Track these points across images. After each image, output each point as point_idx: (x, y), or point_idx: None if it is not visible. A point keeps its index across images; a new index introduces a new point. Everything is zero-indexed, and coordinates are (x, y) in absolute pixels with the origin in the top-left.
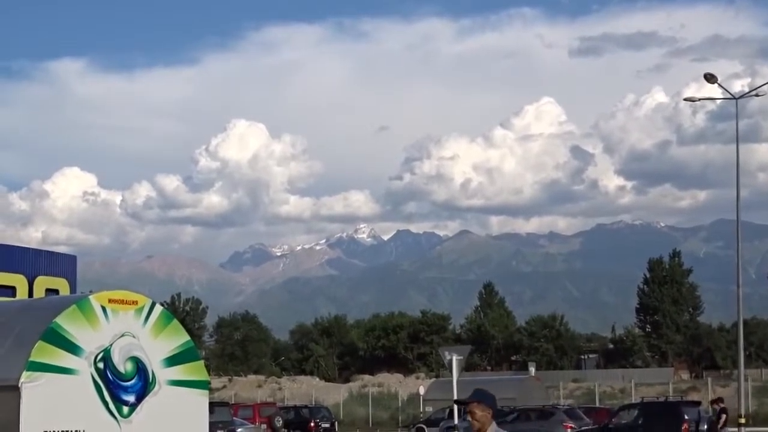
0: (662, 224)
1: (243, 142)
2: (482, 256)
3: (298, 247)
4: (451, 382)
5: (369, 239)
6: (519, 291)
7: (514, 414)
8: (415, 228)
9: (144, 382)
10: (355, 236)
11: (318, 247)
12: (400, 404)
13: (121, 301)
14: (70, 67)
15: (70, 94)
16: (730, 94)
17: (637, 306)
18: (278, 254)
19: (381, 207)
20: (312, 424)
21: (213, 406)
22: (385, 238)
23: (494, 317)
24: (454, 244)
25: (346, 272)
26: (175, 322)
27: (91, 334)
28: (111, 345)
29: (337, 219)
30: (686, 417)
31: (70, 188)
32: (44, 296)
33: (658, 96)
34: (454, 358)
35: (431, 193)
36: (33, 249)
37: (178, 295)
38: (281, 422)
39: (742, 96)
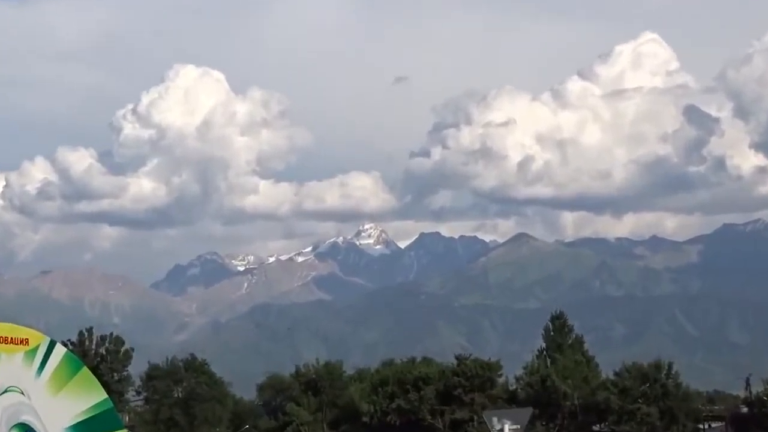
0: None
1: (190, 100)
2: (549, 273)
3: (271, 259)
4: None
5: (378, 246)
6: (605, 325)
7: None
8: (448, 230)
9: None
10: (358, 242)
11: (301, 259)
12: None
13: (4, 340)
14: None
15: None
16: None
17: None
18: (240, 269)
19: (396, 198)
20: None
21: None
22: (403, 245)
23: (567, 365)
24: (507, 255)
25: (343, 296)
26: (86, 371)
27: None
28: None
29: (331, 216)
30: None
31: None
32: None
33: None
34: (507, 428)
35: (472, 176)
36: None
37: (89, 329)
38: None
39: None
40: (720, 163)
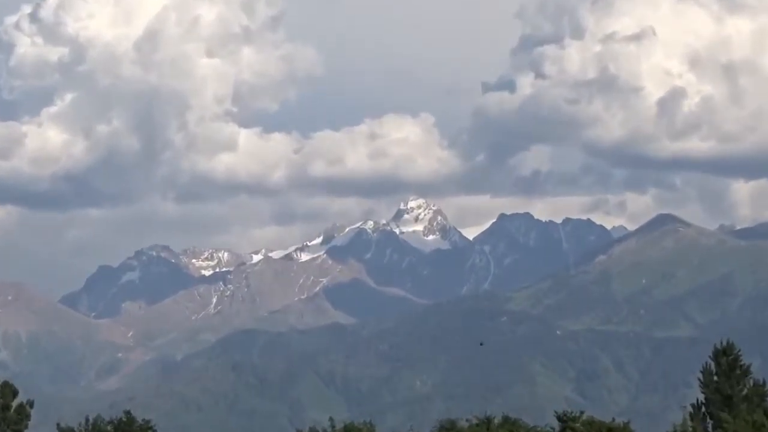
0: None
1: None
2: (710, 280)
3: (256, 257)
4: None
5: (431, 237)
6: None
7: None
8: (545, 210)
9: None
10: (397, 229)
11: (305, 257)
12: None
13: None
14: None
15: None
16: None
17: None
18: (206, 273)
19: (460, 158)
20: None
21: None
22: (471, 234)
23: (743, 428)
24: (642, 251)
25: (373, 318)
26: None
27: None
28: None
29: (354, 187)
30: None
31: None
32: None
33: None
34: None
35: (584, 123)
36: None
37: None
38: None
39: None
40: None
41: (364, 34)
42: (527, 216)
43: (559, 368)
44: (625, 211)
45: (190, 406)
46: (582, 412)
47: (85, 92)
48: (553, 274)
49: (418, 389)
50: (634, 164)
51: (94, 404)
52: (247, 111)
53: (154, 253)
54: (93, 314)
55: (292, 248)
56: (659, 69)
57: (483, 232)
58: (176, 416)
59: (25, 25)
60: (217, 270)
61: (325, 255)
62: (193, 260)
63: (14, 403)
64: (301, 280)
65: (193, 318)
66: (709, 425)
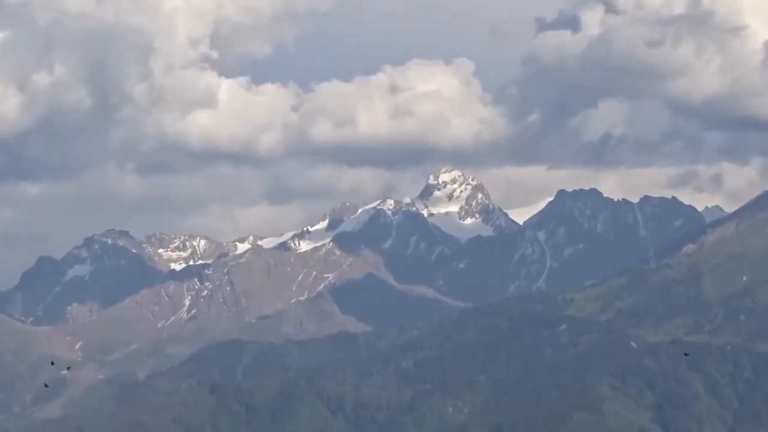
0: None
1: None
2: None
3: (241, 246)
4: None
5: (469, 220)
6: None
7: None
8: (617, 185)
9: None
10: (426, 210)
11: (305, 245)
12: None
13: None
14: None
15: None
16: None
17: None
18: (175, 267)
19: (508, 117)
20: None
21: None
22: (520, 217)
23: None
24: (744, 239)
25: (396, 324)
26: None
27: None
28: None
29: (369, 155)
30: None
31: None
32: None
33: None
34: None
35: (669, 73)
36: None
37: None
38: None
39: None
40: None
41: None
42: (594, 193)
43: (634, 391)
44: (721, 187)
45: None
46: None
47: (19, 31)
48: (628, 269)
49: (452, 418)
50: (734, 126)
51: None
52: (231, 56)
53: (109, 241)
54: (30, 320)
55: (289, 235)
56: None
57: (537, 215)
58: None
59: None
60: (192, 263)
61: (331, 244)
62: (160, 250)
63: None
64: (300, 277)
65: (160, 325)
66: None
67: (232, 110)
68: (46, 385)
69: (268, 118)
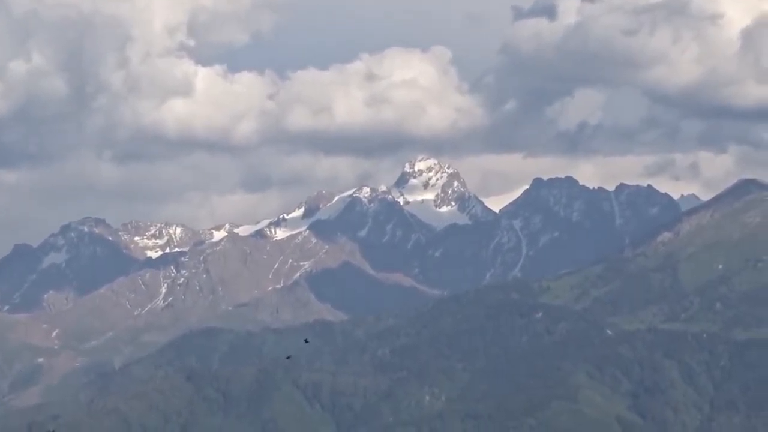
0: None
1: None
2: None
3: (218, 234)
4: None
5: (445, 208)
6: None
7: None
8: (594, 173)
9: None
10: (401, 198)
11: (281, 233)
12: None
13: None
14: None
15: None
16: None
17: None
18: (152, 255)
19: (484, 106)
20: None
21: None
22: (497, 205)
23: None
24: (719, 228)
25: (371, 314)
26: None
27: None
28: None
29: (345, 143)
30: None
31: None
32: None
33: None
34: None
35: (645, 61)
36: None
37: None
38: None
39: None
40: None
41: None
42: (570, 181)
43: (611, 379)
44: (697, 176)
45: (133, 428)
46: None
47: None
48: (604, 257)
49: (429, 406)
50: (711, 114)
51: (8, 425)
52: (207, 45)
53: (86, 229)
54: (6, 308)
55: (265, 223)
56: None
57: (513, 203)
58: None
59: None
60: (168, 251)
61: (307, 231)
62: (136, 238)
63: None
64: (277, 265)
65: (136, 313)
66: None
67: (209, 98)
68: None
69: (245, 107)
